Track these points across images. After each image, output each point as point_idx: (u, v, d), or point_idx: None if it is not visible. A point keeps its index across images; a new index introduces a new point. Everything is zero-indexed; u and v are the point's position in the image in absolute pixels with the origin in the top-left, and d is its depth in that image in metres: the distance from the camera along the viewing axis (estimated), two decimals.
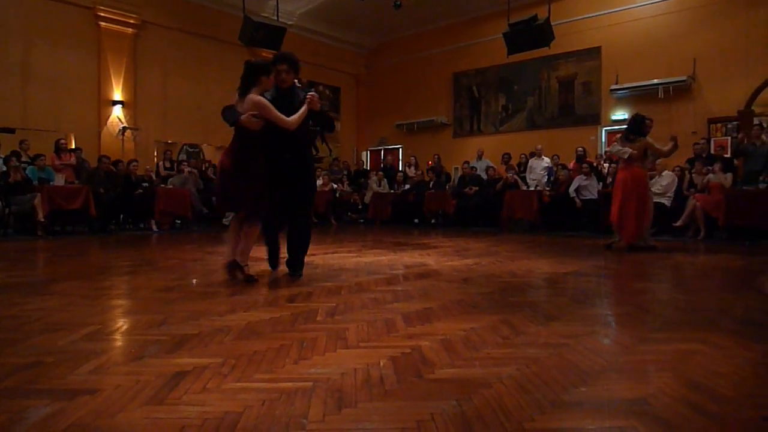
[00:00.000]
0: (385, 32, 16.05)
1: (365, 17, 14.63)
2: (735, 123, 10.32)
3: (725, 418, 1.62)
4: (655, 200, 9.08)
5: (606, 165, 10.36)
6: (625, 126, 11.77)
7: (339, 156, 16.11)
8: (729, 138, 10.36)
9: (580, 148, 10.91)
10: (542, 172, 11.19)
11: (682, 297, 3.66)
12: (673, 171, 9.39)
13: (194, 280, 4.25)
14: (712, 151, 10.00)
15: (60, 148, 9.62)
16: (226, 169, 4.07)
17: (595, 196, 9.67)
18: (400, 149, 16.36)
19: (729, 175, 8.50)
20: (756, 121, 9.97)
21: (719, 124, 10.73)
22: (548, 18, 8.62)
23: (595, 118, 12.33)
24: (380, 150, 16.85)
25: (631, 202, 6.57)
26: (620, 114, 11.96)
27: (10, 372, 1.98)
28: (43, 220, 8.32)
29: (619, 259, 5.85)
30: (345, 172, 14.40)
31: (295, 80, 4.36)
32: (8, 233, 8.62)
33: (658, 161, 9.54)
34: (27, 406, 1.66)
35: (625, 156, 6.67)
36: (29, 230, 8.51)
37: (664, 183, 9.14)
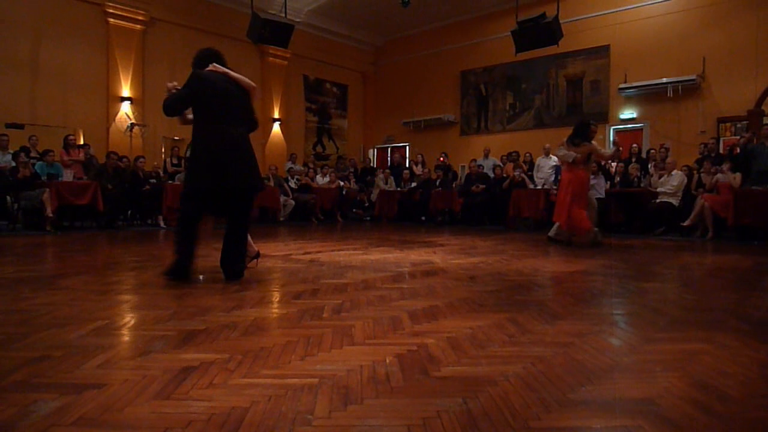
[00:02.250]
0: (392, 30, 16.04)
1: (373, 15, 14.63)
2: (744, 123, 10.26)
3: (732, 419, 1.61)
4: (663, 200, 9.06)
5: (614, 164, 10.32)
6: (630, 125, 11.85)
7: (346, 153, 16.14)
8: (738, 137, 10.31)
9: None
10: (549, 171, 11.15)
11: (690, 297, 3.64)
12: (681, 170, 9.33)
13: (201, 276, 4.26)
14: (721, 151, 9.94)
15: (69, 144, 9.67)
16: None
17: (602, 195, 9.62)
18: (407, 147, 16.35)
19: (738, 175, 8.43)
20: (766, 121, 9.90)
21: (728, 124, 10.67)
22: (557, 16, 8.60)
23: (603, 117, 12.26)
24: (387, 148, 16.85)
25: (577, 202, 6.86)
26: (629, 113, 11.92)
27: (18, 365, 2.00)
28: (51, 215, 8.38)
29: (626, 259, 5.82)
30: (352, 170, 14.42)
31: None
32: (17, 228, 8.69)
33: (668, 160, 9.50)
34: (35, 399, 1.68)
35: (570, 160, 6.94)
36: (38, 225, 8.57)
37: (674, 183, 9.08)
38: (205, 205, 4.03)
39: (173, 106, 3.92)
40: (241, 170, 3.90)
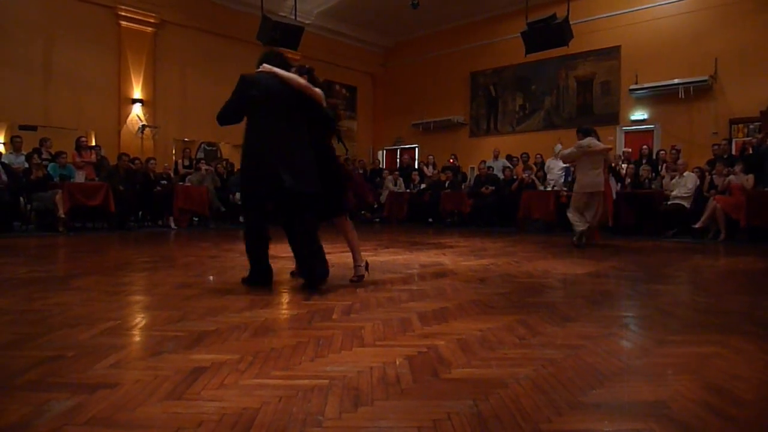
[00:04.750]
0: (402, 31, 16.04)
1: (382, 16, 14.65)
2: (757, 124, 10.16)
3: (745, 422, 1.60)
4: (675, 202, 9.00)
5: (624, 166, 10.25)
6: (641, 127, 11.79)
7: (355, 155, 16.15)
8: (752, 138, 10.21)
9: None
10: (559, 173, 11.10)
11: (702, 299, 3.61)
12: (693, 172, 9.25)
13: (211, 277, 4.29)
14: (733, 152, 9.85)
15: (81, 146, 9.75)
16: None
17: (613, 196, 9.56)
18: (417, 149, 16.34)
19: (750, 177, 8.36)
20: None
21: (741, 125, 10.57)
22: (567, 17, 8.55)
23: (613, 118, 12.20)
24: (396, 149, 16.86)
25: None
26: (640, 114, 11.84)
27: (32, 365, 2.02)
28: (63, 216, 8.45)
29: (637, 261, 5.79)
30: (361, 171, 14.41)
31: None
32: (30, 229, 8.78)
33: (680, 161, 9.42)
34: (49, 399, 1.69)
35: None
36: (50, 226, 8.65)
37: (689, 185, 9.00)
38: (263, 210, 3.81)
39: (223, 115, 3.77)
40: (286, 172, 3.59)
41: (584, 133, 7.29)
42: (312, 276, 3.76)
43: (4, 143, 10.02)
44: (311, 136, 3.86)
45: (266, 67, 3.79)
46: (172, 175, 10.92)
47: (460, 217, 11.97)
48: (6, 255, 5.79)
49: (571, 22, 8.68)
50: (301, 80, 3.79)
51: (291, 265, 4.78)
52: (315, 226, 3.85)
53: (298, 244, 3.76)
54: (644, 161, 10.33)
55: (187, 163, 11.42)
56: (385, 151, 17.22)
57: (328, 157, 4.02)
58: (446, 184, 12.38)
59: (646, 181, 9.77)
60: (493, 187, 11.51)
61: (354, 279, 4.07)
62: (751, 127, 10.34)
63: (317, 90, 3.84)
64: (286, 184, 3.57)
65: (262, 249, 3.82)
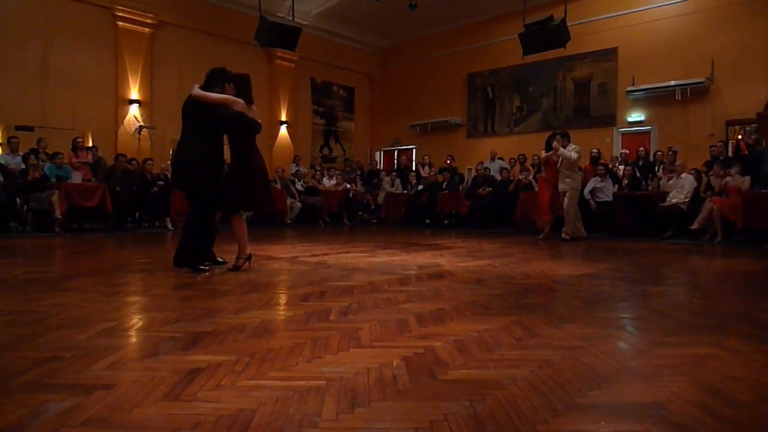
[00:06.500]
0: (400, 32, 16.05)
1: (380, 17, 14.64)
2: (753, 125, 10.19)
3: (742, 424, 1.60)
4: (672, 203, 9.01)
5: (621, 167, 10.27)
6: (638, 128, 11.82)
7: (352, 156, 16.16)
8: (748, 138, 10.23)
9: (595, 150, 10.83)
10: None
11: (699, 301, 3.62)
12: (690, 173, 9.27)
13: (203, 276, 4.28)
14: (729, 154, 9.87)
15: (77, 147, 9.72)
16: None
17: (610, 198, 9.59)
18: (414, 150, 16.35)
19: (747, 178, 8.38)
20: None
21: (737, 126, 10.60)
22: (564, 18, 8.55)
23: (610, 120, 12.23)
24: (394, 150, 16.86)
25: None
26: (636, 116, 11.86)
27: (29, 366, 2.01)
28: (60, 217, 8.43)
29: (634, 262, 5.80)
30: (358, 172, 14.42)
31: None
32: (26, 230, 8.75)
33: (677, 163, 9.44)
34: (45, 400, 1.69)
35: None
36: (47, 227, 8.62)
37: (687, 189, 9.01)
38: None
39: None
40: (184, 174, 4.54)
41: (568, 137, 8.32)
42: (175, 256, 4.65)
43: (0, 144, 10.00)
44: (234, 142, 4.56)
45: (193, 88, 4.51)
46: (169, 175, 10.90)
47: (457, 218, 11.97)
48: (3, 256, 5.77)
49: (568, 24, 8.68)
50: (203, 93, 4.42)
51: (288, 266, 4.79)
52: (197, 222, 4.61)
53: (182, 229, 4.81)
54: (641, 163, 10.36)
55: None
56: (382, 152, 17.22)
57: (245, 161, 4.64)
58: (443, 185, 12.39)
59: (643, 182, 9.79)
60: (491, 189, 11.52)
61: (230, 267, 4.69)
62: (748, 128, 10.37)
63: (229, 97, 4.44)
64: (178, 183, 4.66)
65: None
